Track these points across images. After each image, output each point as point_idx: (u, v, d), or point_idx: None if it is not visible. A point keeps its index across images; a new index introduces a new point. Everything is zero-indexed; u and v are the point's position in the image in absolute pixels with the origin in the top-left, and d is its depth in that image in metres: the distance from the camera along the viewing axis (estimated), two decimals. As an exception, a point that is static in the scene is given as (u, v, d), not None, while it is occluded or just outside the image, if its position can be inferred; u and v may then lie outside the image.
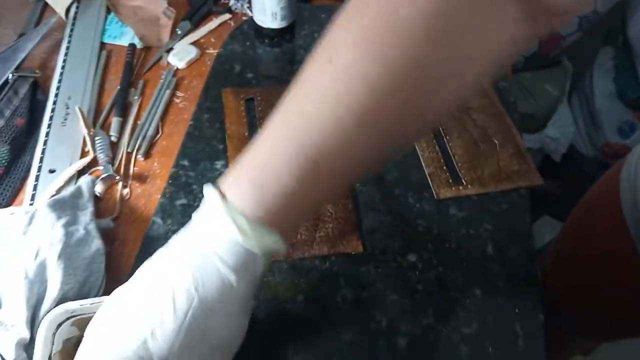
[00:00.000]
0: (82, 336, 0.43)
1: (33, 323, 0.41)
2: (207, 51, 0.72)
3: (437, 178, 0.58)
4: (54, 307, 0.41)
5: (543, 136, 1.46)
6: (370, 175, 0.57)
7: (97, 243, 0.49)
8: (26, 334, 0.40)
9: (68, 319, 0.41)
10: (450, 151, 0.60)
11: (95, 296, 0.46)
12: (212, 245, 0.34)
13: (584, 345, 1.04)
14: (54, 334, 0.40)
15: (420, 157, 0.60)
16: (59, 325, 0.41)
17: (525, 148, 0.61)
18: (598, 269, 0.68)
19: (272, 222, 0.34)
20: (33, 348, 0.38)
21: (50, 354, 0.39)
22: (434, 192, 0.57)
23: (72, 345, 0.43)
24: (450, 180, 0.58)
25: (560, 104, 1.45)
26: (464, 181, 0.58)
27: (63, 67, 0.69)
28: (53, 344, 0.40)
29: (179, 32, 0.74)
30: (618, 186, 0.60)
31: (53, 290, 0.41)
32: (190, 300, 0.33)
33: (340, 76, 0.31)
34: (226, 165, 0.58)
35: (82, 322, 0.43)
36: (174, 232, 0.52)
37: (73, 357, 0.40)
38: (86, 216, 0.51)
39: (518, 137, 0.61)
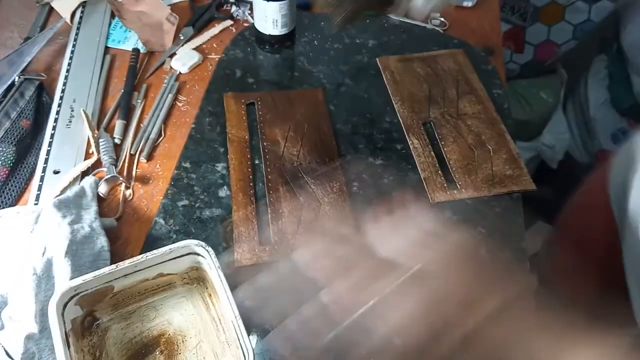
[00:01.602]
0: (86, 315, 0.45)
1: (42, 318, 0.42)
2: (209, 56, 0.74)
3: (432, 182, 0.59)
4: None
5: (539, 144, 1.47)
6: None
7: (102, 240, 0.50)
8: (34, 329, 0.41)
9: (72, 298, 0.43)
10: (445, 156, 0.62)
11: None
12: None
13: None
14: (62, 314, 0.42)
15: (416, 162, 0.61)
16: (65, 305, 0.43)
17: (518, 154, 0.62)
18: (589, 272, 0.69)
19: None
20: (42, 340, 0.40)
21: (66, 332, 0.41)
22: (429, 196, 0.58)
23: (79, 323, 0.45)
24: (445, 185, 0.59)
25: (555, 111, 1.47)
26: (458, 185, 0.59)
27: (68, 71, 0.71)
28: (65, 323, 0.42)
29: (182, 38, 0.75)
30: (606, 187, 0.62)
31: (62, 286, 0.43)
32: None
33: None
34: (227, 168, 0.60)
35: (84, 301, 0.45)
36: (176, 232, 0.54)
37: (80, 336, 0.43)
38: (90, 214, 0.52)
39: (511, 143, 0.63)
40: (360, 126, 0.65)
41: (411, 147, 0.62)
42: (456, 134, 0.64)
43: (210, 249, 0.46)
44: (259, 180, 0.59)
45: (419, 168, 0.61)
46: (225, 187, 0.58)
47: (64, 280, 0.45)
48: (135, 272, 0.46)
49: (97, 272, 0.44)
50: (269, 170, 0.60)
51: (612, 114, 1.43)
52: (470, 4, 0.83)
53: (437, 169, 0.61)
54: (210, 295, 0.49)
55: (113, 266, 0.45)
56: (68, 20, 0.77)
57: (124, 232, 0.55)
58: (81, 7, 0.79)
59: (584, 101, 1.48)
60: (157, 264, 0.47)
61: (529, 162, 1.48)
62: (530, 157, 1.48)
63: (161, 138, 0.64)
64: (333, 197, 0.58)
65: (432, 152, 0.62)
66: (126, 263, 0.45)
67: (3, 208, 0.55)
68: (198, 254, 0.47)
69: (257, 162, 0.61)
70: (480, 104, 0.67)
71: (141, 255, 0.45)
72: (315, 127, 0.64)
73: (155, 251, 0.46)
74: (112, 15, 0.79)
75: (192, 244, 0.46)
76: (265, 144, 0.62)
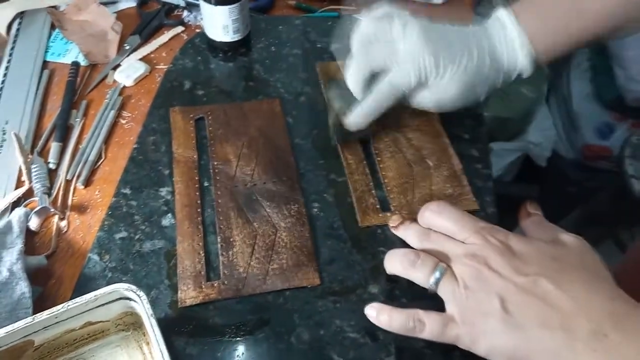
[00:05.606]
0: None
1: None
2: (158, 67, 0.68)
3: (363, 203, 0.54)
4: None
5: (525, 142, 1.43)
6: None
7: (22, 286, 0.44)
8: None
9: None
10: (380, 173, 0.56)
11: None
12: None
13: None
14: None
15: (349, 180, 0.55)
16: None
17: (461, 169, 0.56)
18: None
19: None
20: None
21: None
22: (357, 218, 0.52)
23: None
24: (378, 206, 0.53)
25: (540, 106, 1.43)
26: (392, 207, 0.54)
27: (1, 89, 0.65)
28: None
29: (127, 48, 0.69)
30: None
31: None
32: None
33: None
34: (172, 193, 0.54)
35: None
36: (112, 269, 0.48)
37: None
38: (12, 255, 0.46)
39: (454, 157, 0.57)
40: (321, 140, 0.59)
41: (344, 163, 0.57)
42: (395, 149, 0.58)
43: (142, 293, 0.40)
44: (207, 206, 0.53)
45: (351, 187, 0.55)
46: (169, 214, 0.52)
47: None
48: (56, 323, 0.40)
49: (9, 328, 0.38)
50: (219, 193, 0.54)
51: (596, 107, 1.39)
52: (439, 1, 0.78)
53: (371, 188, 0.55)
54: (148, 343, 0.44)
55: (29, 319, 0.39)
56: (3, 33, 0.71)
57: (57, 270, 0.49)
58: (18, 18, 0.73)
59: (567, 95, 1.44)
60: (82, 312, 0.41)
61: (515, 162, 1.43)
62: (516, 157, 1.43)
63: (101, 160, 0.58)
64: (291, 222, 0.52)
65: (366, 169, 0.56)
66: (44, 315, 0.39)
67: None
68: (130, 299, 0.41)
69: (206, 184, 0.55)
70: (424, 115, 0.60)
71: (61, 305, 0.39)
72: (272, 143, 0.58)
73: (77, 299, 0.40)
74: (53, 27, 0.73)
75: (121, 288, 0.40)
76: (215, 163, 0.56)
